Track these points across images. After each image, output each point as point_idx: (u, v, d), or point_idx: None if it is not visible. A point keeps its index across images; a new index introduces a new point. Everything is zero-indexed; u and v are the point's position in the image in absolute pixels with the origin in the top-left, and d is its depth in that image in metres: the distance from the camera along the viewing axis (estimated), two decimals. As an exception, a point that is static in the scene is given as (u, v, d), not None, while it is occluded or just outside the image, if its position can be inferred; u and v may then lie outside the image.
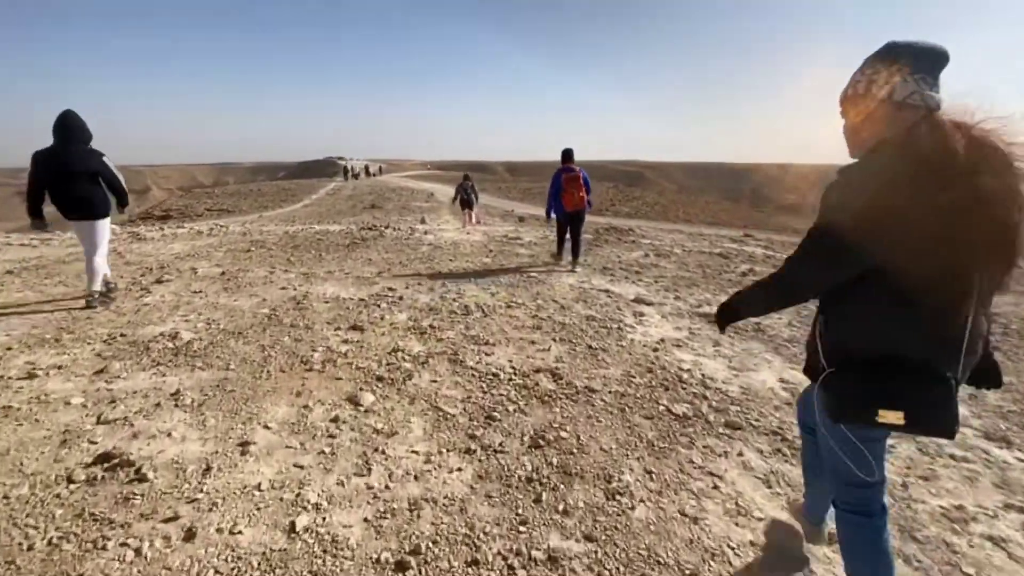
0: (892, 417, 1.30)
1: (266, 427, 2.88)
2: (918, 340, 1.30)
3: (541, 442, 2.80)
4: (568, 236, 7.62)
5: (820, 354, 1.48)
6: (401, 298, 5.55)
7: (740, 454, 2.79)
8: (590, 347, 4.20)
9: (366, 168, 53.87)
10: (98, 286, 5.05)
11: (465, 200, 12.70)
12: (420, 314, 4.99)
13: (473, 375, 3.60)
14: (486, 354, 3.98)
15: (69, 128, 4.81)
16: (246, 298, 5.46)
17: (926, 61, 1.30)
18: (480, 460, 2.64)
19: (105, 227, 5.10)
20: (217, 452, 2.63)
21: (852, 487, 1.54)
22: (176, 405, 3.09)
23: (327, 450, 2.68)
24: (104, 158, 4.96)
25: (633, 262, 8.15)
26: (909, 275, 1.21)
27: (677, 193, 42.41)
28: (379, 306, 5.23)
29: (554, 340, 4.34)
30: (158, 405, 3.09)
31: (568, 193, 7.06)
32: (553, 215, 7.48)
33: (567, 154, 7.27)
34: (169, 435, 2.76)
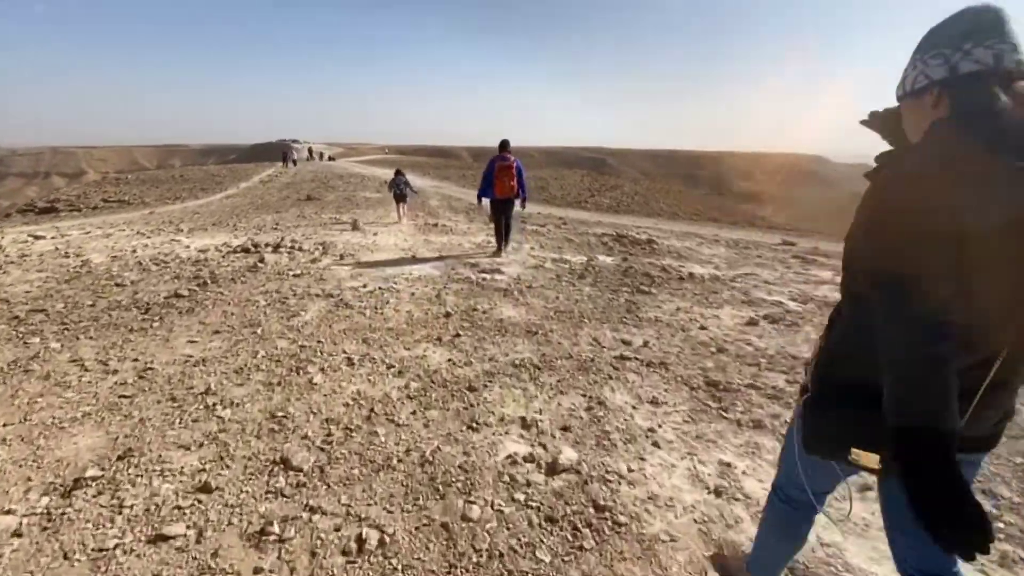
0: (867, 460, 0.98)
1: None
2: None
3: None
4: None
5: (812, 373, 1.12)
6: None
7: None
8: None
9: (309, 151, 46.09)
10: None
11: (399, 195, 10.37)
12: None
13: None
14: None
15: None
16: None
17: (941, 32, 0.93)
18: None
19: None
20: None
21: (797, 489, 1.27)
22: None
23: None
24: None
25: (778, 358, 3.60)
26: (928, 296, 0.82)
27: (651, 182, 38.26)
28: None
29: None
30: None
31: (500, 181, 6.40)
32: (485, 200, 6.77)
33: (503, 144, 6.59)
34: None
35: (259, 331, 3.65)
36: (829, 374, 1.07)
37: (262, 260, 5.82)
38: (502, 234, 6.74)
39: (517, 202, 6.63)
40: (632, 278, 5.58)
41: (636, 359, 3.38)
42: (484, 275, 5.55)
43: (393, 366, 3.13)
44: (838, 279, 6.27)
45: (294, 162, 31.53)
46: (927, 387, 0.81)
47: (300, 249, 6.69)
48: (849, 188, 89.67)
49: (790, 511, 1.33)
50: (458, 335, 3.70)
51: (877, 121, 1.08)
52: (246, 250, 6.47)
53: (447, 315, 4.15)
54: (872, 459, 0.96)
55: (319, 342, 3.48)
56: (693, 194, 39.40)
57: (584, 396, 2.83)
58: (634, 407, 2.74)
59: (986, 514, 0.77)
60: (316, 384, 2.85)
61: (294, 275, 5.31)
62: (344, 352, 3.32)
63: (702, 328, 4.05)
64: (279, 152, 34.72)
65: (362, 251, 6.82)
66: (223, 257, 6.17)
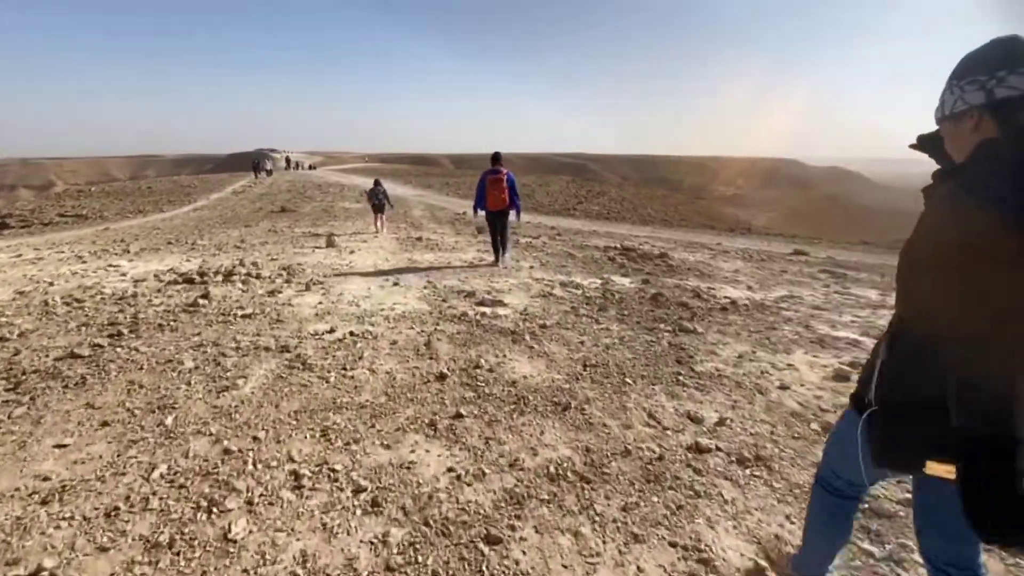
0: (942, 470, 0.98)
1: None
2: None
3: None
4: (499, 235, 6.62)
5: (872, 385, 1.09)
6: None
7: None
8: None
9: (287, 159, 44.15)
10: None
11: (377, 205, 10.03)
12: None
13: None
14: None
15: None
16: None
17: (974, 60, 0.97)
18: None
19: None
20: None
21: (844, 481, 1.31)
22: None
23: None
24: None
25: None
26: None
27: (635, 187, 37.68)
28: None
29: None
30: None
31: (491, 194, 6.35)
32: (481, 212, 6.61)
33: (495, 157, 6.60)
34: None
35: (169, 421, 2.47)
36: (898, 387, 1.03)
37: (206, 295, 4.60)
38: (496, 245, 6.66)
39: (512, 213, 6.47)
40: (665, 309, 4.52)
41: (719, 451, 2.31)
42: (483, 308, 4.44)
43: (363, 488, 1.99)
44: (888, 300, 5.33)
45: (268, 172, 29.77)
46: None
47: (258, 276, 5.48)
48: (824, 190, 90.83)
49: (839, 501, 1.33)
50: (459, 415, 2.58)
51: (924, 144, 1.09)
52: (190, 280, 5.23)
53: (441, 377, 3.03)
54: (948, 469, 0.95)
55: (254, 439, 2.32)
56: (676, 198, 38.95)
57: (673, 545, 1.74)
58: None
59: None
60: (234, 541, 1.70)
61: (243, 315, 4.12)
62: (290, 460, 2.17)
63: (783, 388, 3.00)
64: (259, 161, 32.77)
65: (334, 276, 5.64)
66: (159, 290, 4.92)
